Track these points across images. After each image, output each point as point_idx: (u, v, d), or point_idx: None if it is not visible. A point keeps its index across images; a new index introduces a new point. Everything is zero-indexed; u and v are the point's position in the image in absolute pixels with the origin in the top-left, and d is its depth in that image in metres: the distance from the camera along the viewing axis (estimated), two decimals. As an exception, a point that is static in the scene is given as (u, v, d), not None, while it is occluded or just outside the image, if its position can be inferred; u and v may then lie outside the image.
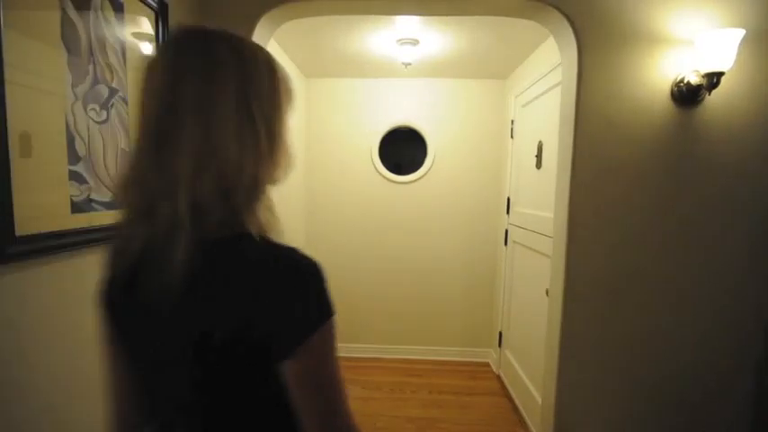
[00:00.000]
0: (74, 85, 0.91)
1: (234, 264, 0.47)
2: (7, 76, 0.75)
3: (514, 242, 2.66)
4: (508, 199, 2.80)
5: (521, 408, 2.41)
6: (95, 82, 0.98)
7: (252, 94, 0.49)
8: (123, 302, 0.53)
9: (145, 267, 0.48)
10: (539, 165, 2.24)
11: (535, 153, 2.28)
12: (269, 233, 0.50)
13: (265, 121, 0.50)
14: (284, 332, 0.45)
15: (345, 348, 3.28)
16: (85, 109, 0.95)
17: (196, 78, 0.47)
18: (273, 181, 0.54)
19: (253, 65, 0.50)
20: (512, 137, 2.79)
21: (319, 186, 3.19)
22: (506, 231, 2.81)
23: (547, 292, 1.69)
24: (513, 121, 2.77)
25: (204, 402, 0.50)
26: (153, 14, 1.20)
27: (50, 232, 0.86)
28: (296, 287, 0.47)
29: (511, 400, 2.57)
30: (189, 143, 0.46)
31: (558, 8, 1.39)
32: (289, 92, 0.55)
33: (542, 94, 2.21)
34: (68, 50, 0.90)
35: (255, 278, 0.46)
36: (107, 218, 1.02)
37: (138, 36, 1.14)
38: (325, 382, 0.48)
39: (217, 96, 0.47)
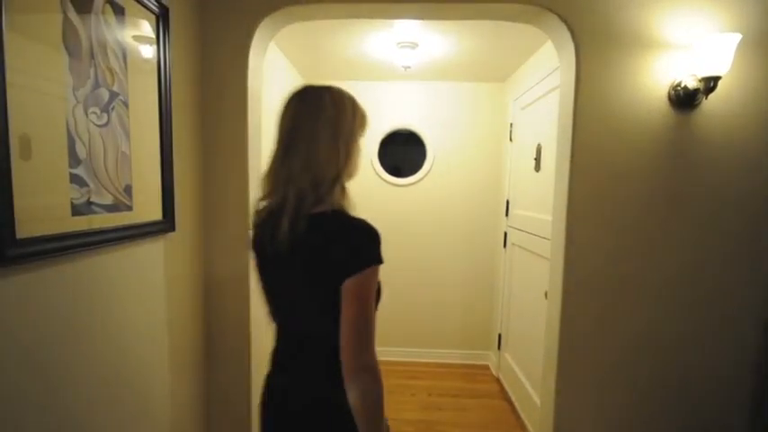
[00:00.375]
0: (75, 89, 0.92)
1: (326, 226, 0.79)
2: (9, 78, 0.75)
3: (513, 244, 2.66)
4: (507, 201, 2.81)
5: (520, 410, 2.41)
6: (96, 85, 0.98)
7: (339, 127, 0.82)
8: (260, 253, 0.88)
9: (270, 227, 0.82)
10: (537, 167, 2.25)
11: (534, 156, 2.29)
12: (346, 209, 0.82)
13: (344, 144, 0.82)
14: (350, 263, 0.76)
15: (344, 351, 3.28)
16: (86, 112, 0.95)
17: (308, 117, 0.81)
18: (347, 179, 0.85)
19: (342, 109, 0.83)
20: (510, 140, 2.80)
21: (318, 189, 3.19)
22: (505, 234, 2.82)
23: (546, 295, 1.69)
24: (511, 125, 2.78)
25: (303, 301, 0.84)
26: (154, 18, 1.21)
27: (51, 235, 0.86)
28: (360, 240, 0.78)
29: (510, 402, 2.57)
30: (300, 154, 0.80)
31: (556, 13, 1.40)
32: (363, 122, 0.88)
33: (541, 97, 2.23)
34: (69, 53, 0.90)
35: (338, 233, 0.78)
36: (107, 220, 1.02)
37: (138, 39, 1.15)
38: (363, 300, 0.76)
39: (318, 129, 0.80)
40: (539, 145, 2.24)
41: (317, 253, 0.78)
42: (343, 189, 0.83)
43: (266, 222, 0.85)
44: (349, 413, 0.76)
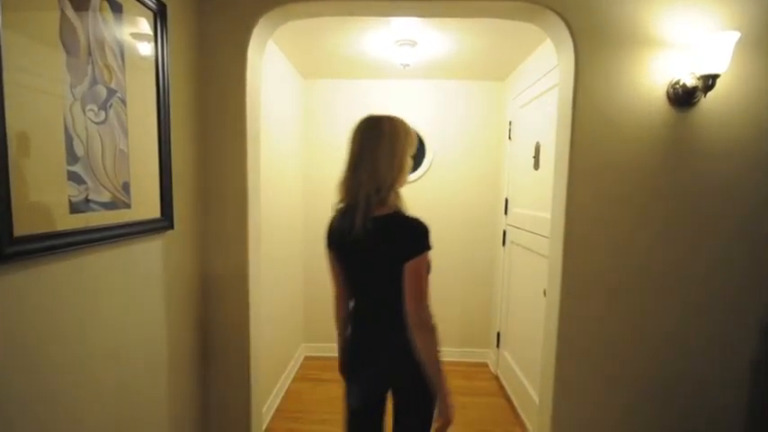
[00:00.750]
0: (72, 86, 0.91)
1: (389, 224, 1.08)
2: (6, 76, 0.75)
3: (512, 243, 2.67)
4: (506, 200, 2.81)
5: (518, 408, 2.41)
6: (94, 83, 0.98)
7: (394, 146, 1.09)
8: (339, 242, 1.18)
9: (347, 222, 1.10)
10: (536, 166, 2.25)
11: (533, 154, 2.29)
12: (402, 210, 1.11)
13: (398, 159, 1.10)
14: (410, 251, 1.06)
15: (343, 349, 3.28)
16: (84, 109, 0.95)
17: (370, 141, 1.09)
18: (399, 186, 1.12)
19: (396, 133, 1.10)
20: (509, 138, 2.80)
21: (317, 187, 3.19)
22: (504, 232, 2.82)
23: (545, 293, 1.70)
24: (510, 123, 2.78)
25: (376, 277, 1.13)
26: (151, 15, 1.20)
27: (48, 232, 0.86)
28: (416, 234, 1.07)
29: (509, 400, 2.57)
30: (366, 169, 1.08)
31: (555, 11, 1.39)
32: (413, 142, 1.15)
33: (540, 95, 2.22)
34: (67, 51, 0.90)
35: (400, 229, 1.08)
36: (105, 218, 1.02)
37: (136, 36, 1.15)
38: (418, 275, 1.06)
39: (379, 149, 1.08)
40: (537, 143, 2.24)
41: (386, 243, 1.08)
42: (397, 193, 1.12)
43: (344, 219, 1.14)
44: (411, 352, 1.11)
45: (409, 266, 1.05)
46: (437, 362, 1.10)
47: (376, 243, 1.08)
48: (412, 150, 1.14)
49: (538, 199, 2.19)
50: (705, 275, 1.47)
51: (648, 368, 1.51)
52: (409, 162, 1.14)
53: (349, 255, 1.17)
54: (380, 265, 1.11)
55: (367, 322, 1.20)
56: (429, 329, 1.09)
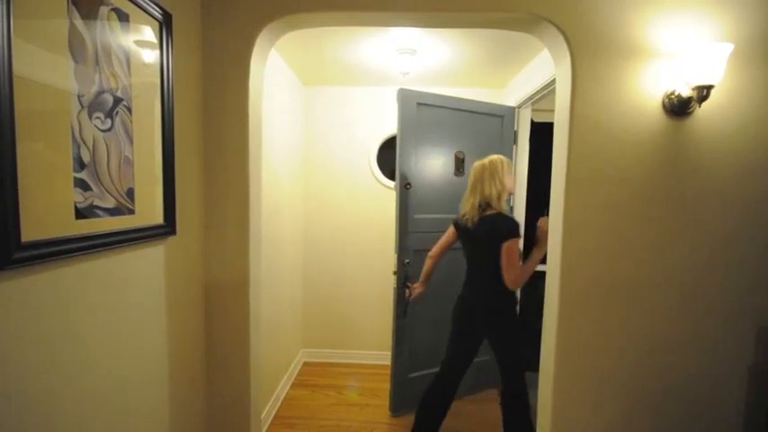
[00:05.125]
0: (80, 94, 0.93)
1: (496, 222, 1.80)
2: (16, 84, 0.77)
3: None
4: (511, 207, 2.84)
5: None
6: (101, 91, 1.00)
7: (498, 175, 1.85)
8: (464, 231, 1.93)
9: (468, 222, 1.88)
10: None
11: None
12: (504, 212, 1.84)
13: (500, 181, 1.84)
14: (505, 236, 1.74)
15: (343, 355, 3.28)
16: (91, 117, 0.96)
17: (481, 174, 1.88)
18: (506, 196, 1.87)
19: (496, 167, 1.86)
20: (515, 143, 2.83)
21: (317, 193, 3.21)
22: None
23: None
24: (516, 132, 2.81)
25: (485, 258, 1.84)
26: (157, 24, 1.22)
27: (55, 238, 0.87)
28: (509, 226, 1.76)
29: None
30: (479, 190, 1.87)
31: (552, 23, 1.42)
32: (509, 170, 1.89)
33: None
34: (75, 60, 0.91)
35: (500, 223, 1.78)
36: (110, 224, 1.03)
37: (142, 45, 1.16)
38: (510, 253, 1.74)
39: (488, 178, 1.85)
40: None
41: (491, 232, 1.78)
42: (500, 202, 1.83)
43: (466, 220, 1.88)
44: (503, 312, 1.85)
45: (504, 247, 1.72)
46: (529, 270, 1.79)
47: (484, 232, 1.80)
48: (509, 172, 1.87)
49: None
50: (701, 281, 1.49)
51: (648, 372, 1.51)
52: (506, 183, 1.84)
53: (470, 241, 1.92)
54: (486, 246, 1.81)
55: (472, 286, 1.94)
56: (513, 281, 1.75)
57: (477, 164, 1.89)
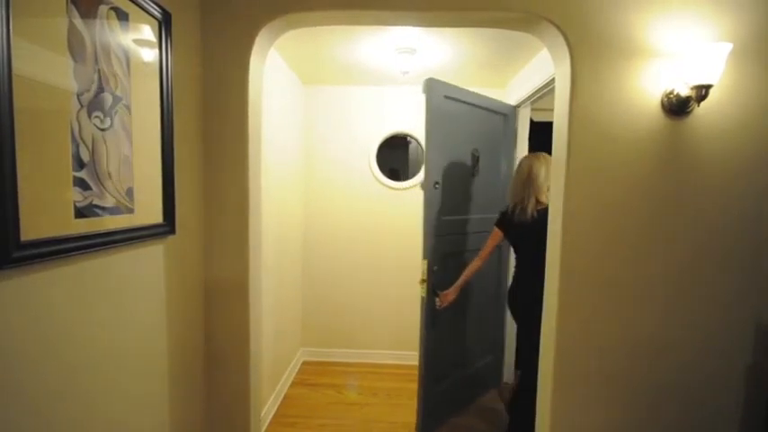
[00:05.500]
0: (79, 93, 0.93)
1: (545, 215, 1.66)
2: (15, 82, 0.77)
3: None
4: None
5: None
6: (100, 90, 1.00)
7: (534, 176, 1.98)
8: (509, 224, 2.06)
9: (515, 215, 2.00)
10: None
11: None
12: (546, 205, 1.86)
13: (537, 181, 1.98)
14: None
15: (342, 354, 3.28)
16: (90, 116, 0.96)
17: (541, 167, 1.98)
18: (546, 191, 1.94)
19: (540, 162, 1.99)
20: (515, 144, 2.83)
21: (316, 193, 3.21)
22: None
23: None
24: (516, 130, 2.81)
25: (530, 246, 1.95)
26: (156, 23, 1.22)
27: (54, 237, 0.87)
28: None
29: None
30: (535, 184, 1.98)
31: (552, 22, 1.42)
32: (549, 167, 1.91)
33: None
34: (74, 59, 0.91)
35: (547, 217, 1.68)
36: (109, 223, 1.03)
37: (141, 44, 1.16)
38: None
39: (525, 178, 2.00)
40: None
41: (539, 225, 1.73)
42: (545, 195, 1.93)
43: (513, 214, 2.00)
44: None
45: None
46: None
47: (534, 225, 1.87)
48: (548, 170, 1.92)
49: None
50: (699, 280, 1.49)
51: (647, 372, 1.52)
52: (545, 181, 1.94)
53: (519, 234, 2.02)
54: (535, 238, 1.79)
55: (518, 279, 2.06)
56: None
57: (531, 157, 2.00)
